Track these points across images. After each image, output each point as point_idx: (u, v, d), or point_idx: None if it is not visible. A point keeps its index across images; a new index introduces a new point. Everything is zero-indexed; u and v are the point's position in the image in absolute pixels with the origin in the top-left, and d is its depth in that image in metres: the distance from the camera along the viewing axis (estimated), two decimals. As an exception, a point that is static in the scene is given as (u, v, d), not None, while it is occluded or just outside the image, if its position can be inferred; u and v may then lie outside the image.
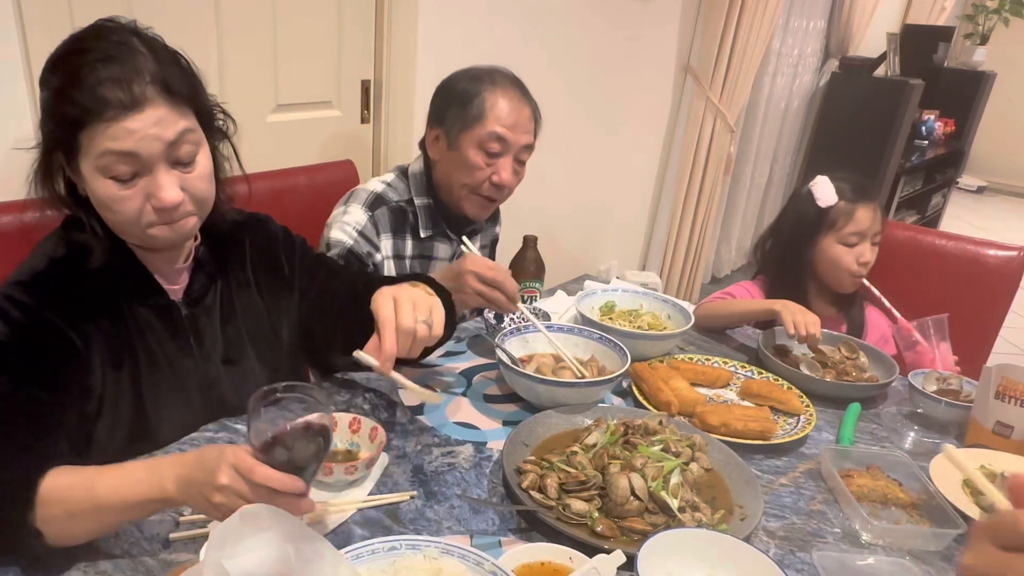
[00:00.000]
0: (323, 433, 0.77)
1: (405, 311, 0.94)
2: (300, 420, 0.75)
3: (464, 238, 1.44)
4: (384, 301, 0.95)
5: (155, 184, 0.91)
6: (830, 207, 1.72)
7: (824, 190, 1.73)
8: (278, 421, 0.75)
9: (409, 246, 1.56)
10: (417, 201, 1.55)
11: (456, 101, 1.48)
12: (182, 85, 0.93)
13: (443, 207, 1.57)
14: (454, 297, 1.27)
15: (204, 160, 0.98)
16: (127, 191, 0.91)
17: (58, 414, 0.90)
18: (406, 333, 0.93)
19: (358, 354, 0.94)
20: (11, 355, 0.90)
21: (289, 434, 0.74)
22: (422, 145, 1.58)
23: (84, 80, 0.85)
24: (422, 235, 1.56)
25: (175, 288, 1.08)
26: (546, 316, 1.52)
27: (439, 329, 0.97)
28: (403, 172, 1.60)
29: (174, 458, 0.82)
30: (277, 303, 1.21)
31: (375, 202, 1.51)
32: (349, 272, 1.29)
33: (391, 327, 0.93)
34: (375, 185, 1.55)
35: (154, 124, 0.88)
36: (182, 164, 0.94)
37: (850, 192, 1.73)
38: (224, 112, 1.04)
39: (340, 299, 1.18)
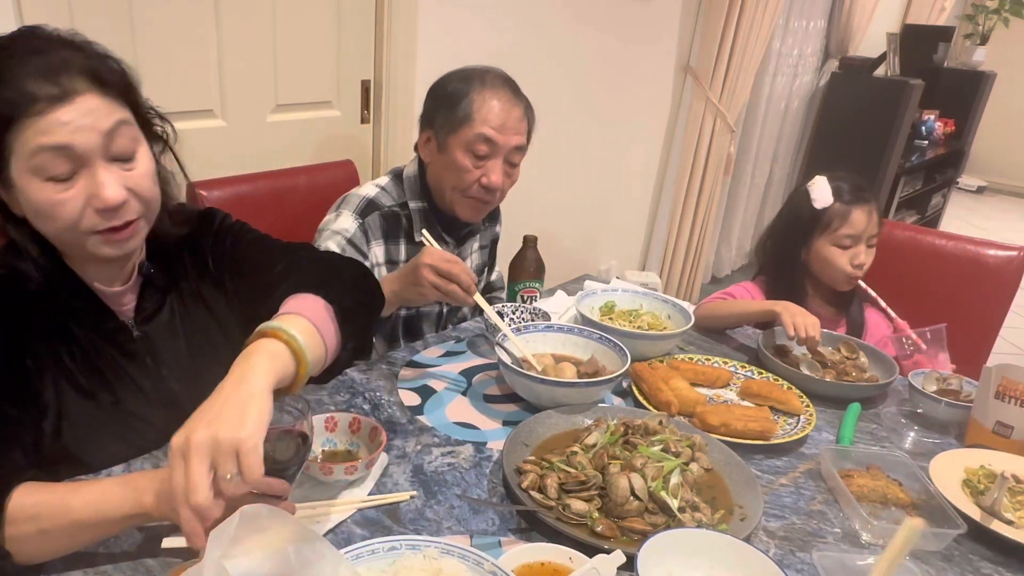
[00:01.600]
0: (302, 437, 0.81)
1: (197, 475, 0.68)
2: (279, 427, 0.76)
3: (424, 231, 1.40)
4: (174, 460, 0.70)
5: (95, 182, 0.86)
6: (825, 208, 1.72)
7: (821, 191, 1.72)
8: None
9: (403, 250, 1.55)
10: (411, 204, 1.54)
11: (445, 102, 1.47)
12: (114, 77, 0.88)
13: (438, 210, 1.56)
14: (412, 291, 1.27)
15: (145, 159, 0.92)
16: (66, 193, 0.85)
17: (15, 428, 0.88)
18: (201, 510, 0.68)
19: (166, 543, 0.81)
20: None
21: (269, 440, 0.74)
22: (417, 148, 1.58)
23: (9, 78, 0.81)
24: (417, 239, 1.55)
25: (124, 308, 1.02)
26: (546, 316, 1.52)
27: (254, 473, 0.69)
28: (397, 175, 1.59)
29: (150, 473, 0.83)
30: (221, 306, 1.12)
31: (366, 208, 1.50)
32: (274, 255, 1.09)
33: (182, 504, 0.68)
34: (368, 189, 1.54)
35: (86, 115, 0.84)
36: (122, 161, 0.89)
37: (847, 193, 1.72)
38: (162, 117, 0.99)
39: (265, 287, 1.00)
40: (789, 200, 1.85)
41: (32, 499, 0.79)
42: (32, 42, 0.85)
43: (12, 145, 0.83)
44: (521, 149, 1.51)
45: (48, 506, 0.79)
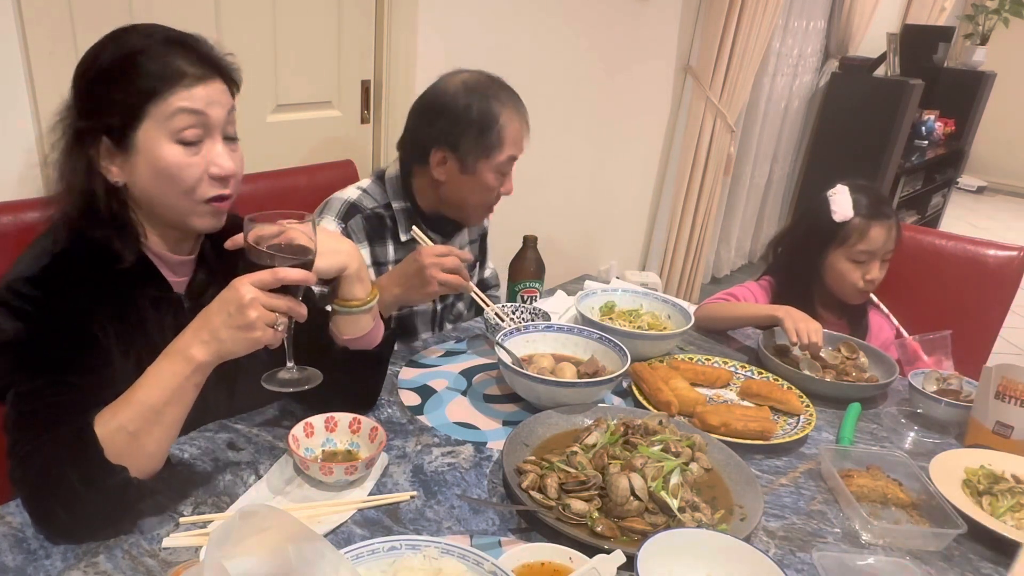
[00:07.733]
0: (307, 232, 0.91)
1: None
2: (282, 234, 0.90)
3: (415, 228, 1.43)
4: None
5: (215, 152, 0.98)
6: (845, 221, 1.69)
7: (841, 203, 1.69)
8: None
9: (391, 251, 1.54)
10: (395, 205, 1.54)
11: (472, 126, 1.43)
12: (234, 74, 1.02)
13: (421, 210, 1.56)
14: (419, 293, 1.31)
15: (239, 145, 1.04)
16: (192, 158, 0.96)
17: (77, 394, 0.90)
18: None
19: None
20: (30, 351, 0.90)
21: (277, 242, 0.89)
22: (400, 147, 1.55)
23: (158, 56, 0.94)
24: (403, 239, 1.54)
25: (179, 280, 1.08)
26: (546, 316, 1.52)
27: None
28: (380, 177, 1.58)
29: (182, 333, 0.89)
30: None
31: (348, 212, 1.50)
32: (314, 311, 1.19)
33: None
34: (351, 193, 1.53)
35: (219, 93, 0.98)
36: (229, 140, 1.01)
37: (867, 207, 1.69)
38: None
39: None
40: (810, 206, 1.81)
41: (105, 414, 0.86)
42: (171, 33, 0.98)
43: (150, 111, 0.94)
44: None
45: (118, 409, 0.86)
